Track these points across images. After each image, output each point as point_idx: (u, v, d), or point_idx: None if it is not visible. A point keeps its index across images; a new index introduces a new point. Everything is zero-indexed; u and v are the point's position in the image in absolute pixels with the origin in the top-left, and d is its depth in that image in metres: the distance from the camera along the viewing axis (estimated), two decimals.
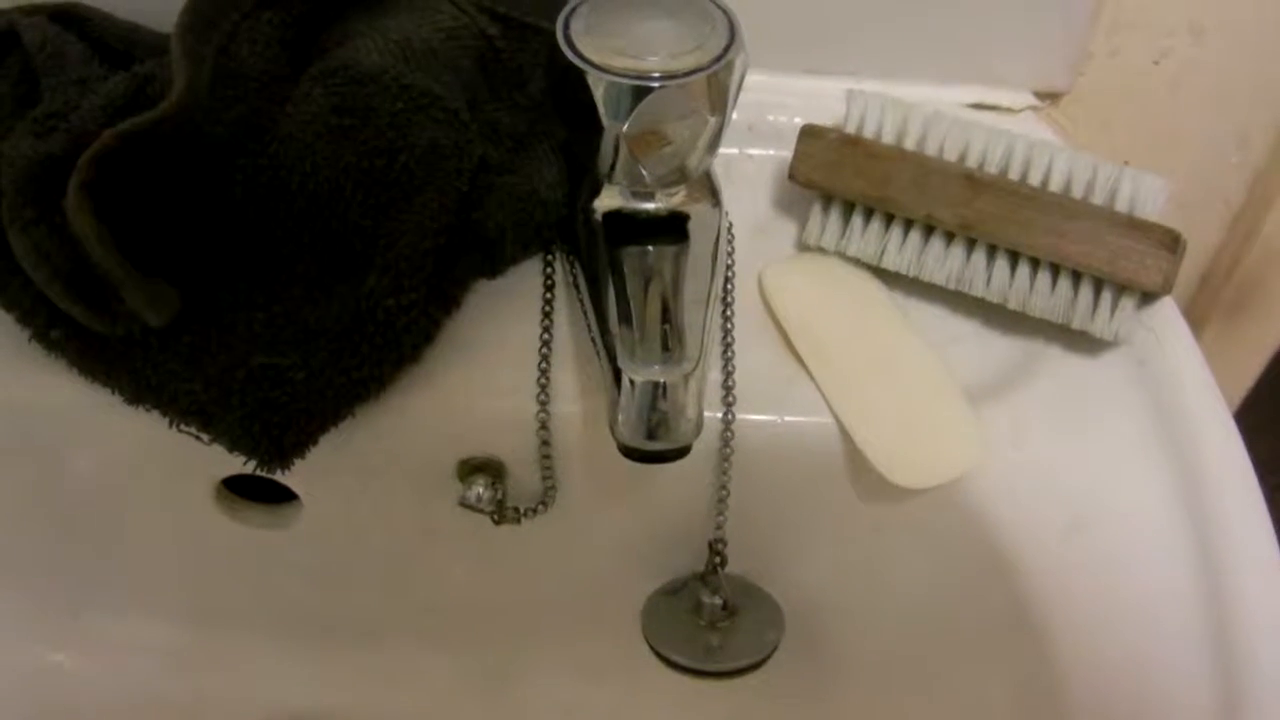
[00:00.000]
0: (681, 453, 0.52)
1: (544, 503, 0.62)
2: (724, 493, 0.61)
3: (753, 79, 0.57)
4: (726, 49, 0.54)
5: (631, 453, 0.52)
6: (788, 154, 0.65)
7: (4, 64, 0.63)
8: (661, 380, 0.51)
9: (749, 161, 0.71)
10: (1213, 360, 0.64)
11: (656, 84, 0.52)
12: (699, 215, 0.59)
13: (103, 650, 0.71)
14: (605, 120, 0.54)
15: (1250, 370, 0.90)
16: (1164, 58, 0.73)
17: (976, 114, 0.72)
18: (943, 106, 0.67)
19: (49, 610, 0.70)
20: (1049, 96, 0.74)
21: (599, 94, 0.53)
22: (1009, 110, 0.73)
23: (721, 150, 0.58)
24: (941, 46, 0.71)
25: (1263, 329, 0.86)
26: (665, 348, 0.53)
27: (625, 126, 0.53)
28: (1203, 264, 0.85)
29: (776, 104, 0.71)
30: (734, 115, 0.56)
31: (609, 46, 0.53)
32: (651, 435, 0.51)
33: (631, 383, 0.51)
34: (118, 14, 0.66)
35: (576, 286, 0.62)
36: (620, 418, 0.52)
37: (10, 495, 0.65)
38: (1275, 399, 0.93)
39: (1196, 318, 0.88)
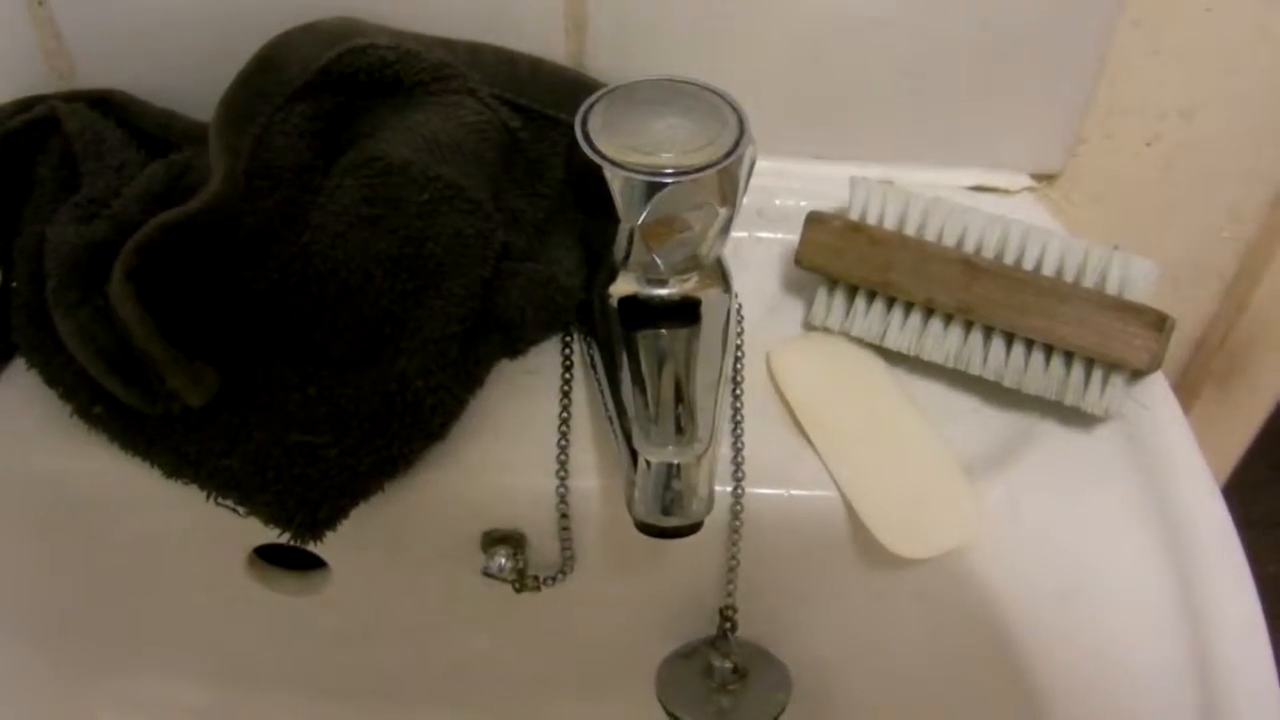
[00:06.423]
0: (694, 528, 0.53)
1: (563, 572, 0.63)
2: (734, 562, 0.62)
3: (761, 164, 0.58)
4: (736, 144, 0.55)
5: (647, 529, 0.53)
6: (795, 237, 0.66)
7: (45, 149, 0.65)
8: (675, 461, 0.52)
9: (758, 244, 0.72)
10: (1205, 425, 0.64)
11: (670, 179, 0.54)
12: (710, 300, 0.60)
13: (136, 711, 0.73)
14: (621, 213, 0.55)
15: (1242, 434, 0.91)
16: (1156, 140, 0.74)
17: (975, 196, 0.73)
18: (943, 189, 0.68)
19: (84, 672, 0.72)
20: (1045, 178, 0.75)
21: (615, 188, 0.55)
22: (1006, 191, 0.74)
23: (732, 234, 0.59)
24: (942, 132, 0.73)
25: (1254, 395, 0.87)
26: (679, 430, 0.54)
27: (640, 219, 0.55)
28: (1196, 333, 0.86)
29: (784, 188, 0.73)
30: (743, 201, 0.58)
31: (625, 143, 0.55)
32: (666, 512, 0.52)
33: (647, 463, 0.52)
34: (153, 102, 0.69)
35: (593, 366, 0.63)
36: (636, 496, 0.53)
37: (48, 561, 0.66)
38: (1266, 461, 0.95)
39: (1190, 385, 0.88)
